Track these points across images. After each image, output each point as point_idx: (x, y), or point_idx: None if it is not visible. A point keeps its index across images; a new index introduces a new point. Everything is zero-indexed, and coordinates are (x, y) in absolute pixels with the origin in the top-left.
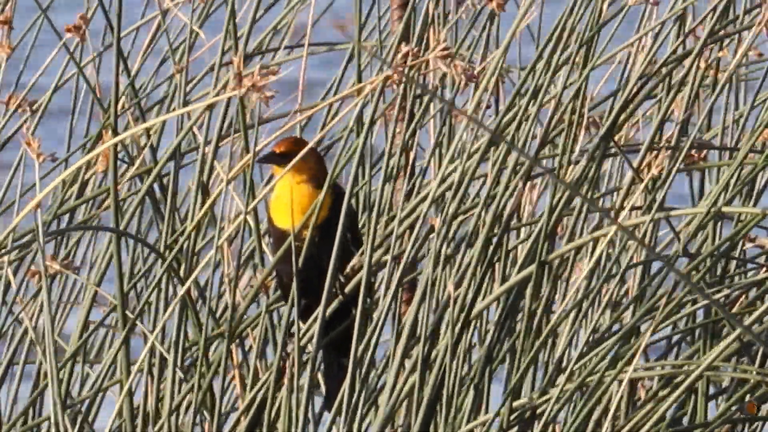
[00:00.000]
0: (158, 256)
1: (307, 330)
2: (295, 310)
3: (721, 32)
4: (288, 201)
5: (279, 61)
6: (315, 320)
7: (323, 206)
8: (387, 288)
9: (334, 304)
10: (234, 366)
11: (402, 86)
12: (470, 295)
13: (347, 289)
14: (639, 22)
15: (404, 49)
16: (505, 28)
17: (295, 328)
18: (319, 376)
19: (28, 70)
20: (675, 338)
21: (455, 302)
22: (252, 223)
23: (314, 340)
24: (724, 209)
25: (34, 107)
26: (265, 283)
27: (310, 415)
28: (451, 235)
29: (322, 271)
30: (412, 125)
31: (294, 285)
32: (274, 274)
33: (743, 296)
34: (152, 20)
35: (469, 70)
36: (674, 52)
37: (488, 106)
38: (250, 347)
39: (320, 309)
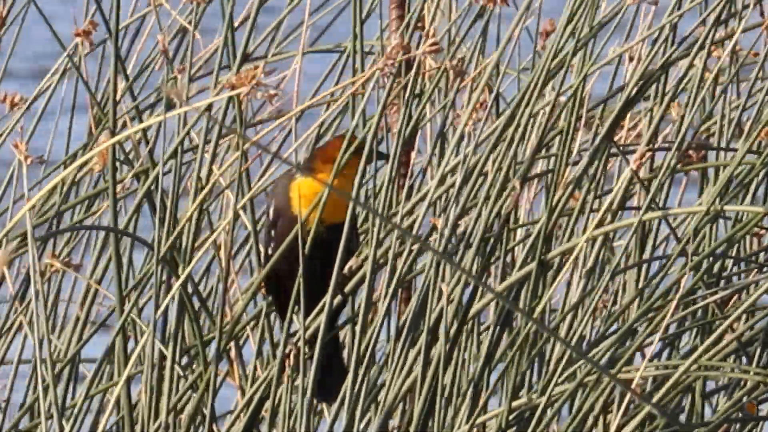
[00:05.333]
0: (152, 251)
1: (306, 329)
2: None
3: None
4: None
5: (277, 59)
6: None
7: (345, 206)
8: (387, 287)
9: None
10: (231, 364)
11: (399, 83)
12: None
13: (346, 289)
14: (633, 21)
15: (394, 41)
16: (503, 26)
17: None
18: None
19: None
20: (671, 338)
21: (452, 302)
22: (247, 222)
23: (319, 337)
24: (726, 208)
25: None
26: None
27: (309, 412)
28: (450, 234)
29: (325, 271)
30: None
31: (295, 283)
32: (272, 272)
33: (738, 294)
34: (149, 19)
35: (458, 67)
36: (672, 53)
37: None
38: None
39: (324, 309)
